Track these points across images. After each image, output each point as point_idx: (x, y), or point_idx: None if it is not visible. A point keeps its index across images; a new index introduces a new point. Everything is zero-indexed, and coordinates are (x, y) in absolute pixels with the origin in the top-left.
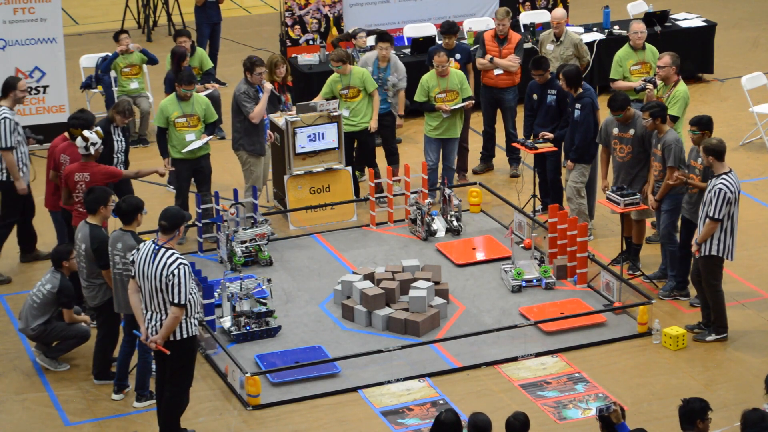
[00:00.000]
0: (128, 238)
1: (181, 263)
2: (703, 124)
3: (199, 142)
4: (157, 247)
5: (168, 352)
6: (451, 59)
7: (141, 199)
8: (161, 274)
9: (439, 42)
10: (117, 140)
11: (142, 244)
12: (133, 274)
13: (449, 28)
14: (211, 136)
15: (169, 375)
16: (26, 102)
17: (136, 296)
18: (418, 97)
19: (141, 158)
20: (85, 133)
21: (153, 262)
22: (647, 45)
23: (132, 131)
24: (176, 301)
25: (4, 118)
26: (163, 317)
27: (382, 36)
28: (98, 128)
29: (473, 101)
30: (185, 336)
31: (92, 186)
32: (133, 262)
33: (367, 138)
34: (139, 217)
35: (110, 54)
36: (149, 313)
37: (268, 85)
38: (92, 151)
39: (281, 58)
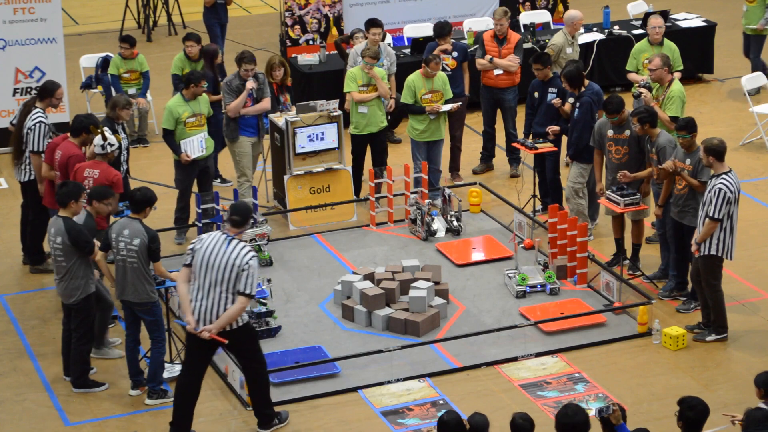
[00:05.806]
0: (137, 224)
1: (254, 256)
2: (691, 126)
3: (197, 142)
4: (229, 238)
5: (226, 342)
6: (448, 56)
7: (155, 194)
8: (234, 264)
9: (435, 43)
10: (122, 138)
11: (206, 234)
12: (188, 263)
13: (441, 31)
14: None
15: (246, 360)
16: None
17: (185, 286)
18: (405, 98)
19: (141, 158)
20: (106, 132)
21: (226, 251)
22: (666, 41)
23: (131, 130)
24: (247, 291)
25: (40, 122)
26: (216, 308)
27: (374, 22)
28: (117, 133)
29: (461, 103)
30: (240, 324)
31: (65, 180)
32: (192, 250)
33: (383, 137)
34: (147, 209)
35: (111, 55)
36: (200, 302)
37: (249, 84)
38: (108, 150)
39: (279, 60)
